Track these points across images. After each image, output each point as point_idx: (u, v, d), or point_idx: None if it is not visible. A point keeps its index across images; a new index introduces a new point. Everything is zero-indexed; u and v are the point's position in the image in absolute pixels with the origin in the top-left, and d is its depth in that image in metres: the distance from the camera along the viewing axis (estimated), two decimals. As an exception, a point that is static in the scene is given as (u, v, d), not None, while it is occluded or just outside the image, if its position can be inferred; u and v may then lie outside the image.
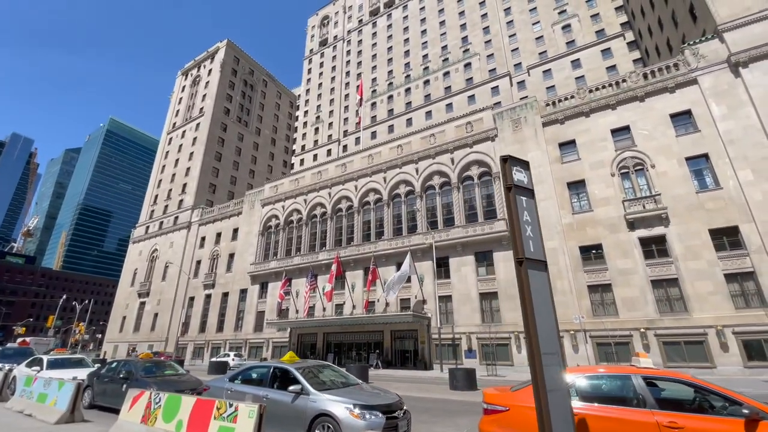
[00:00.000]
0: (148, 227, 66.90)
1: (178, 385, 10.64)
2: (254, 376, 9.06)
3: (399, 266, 36.09)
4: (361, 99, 53.33)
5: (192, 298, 52.84)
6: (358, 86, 70.38)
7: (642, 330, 24.52)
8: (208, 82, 74.66)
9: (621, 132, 29.67)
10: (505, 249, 30.83)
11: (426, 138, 38.90)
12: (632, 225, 26.94)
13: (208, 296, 51.46)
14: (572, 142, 31.39)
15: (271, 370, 8.63)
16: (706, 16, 29.43)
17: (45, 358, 14.54)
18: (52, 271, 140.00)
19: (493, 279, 30.81)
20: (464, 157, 35.58)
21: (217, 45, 78.04)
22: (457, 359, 29.98)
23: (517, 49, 61.42)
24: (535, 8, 62.11)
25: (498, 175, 33.07)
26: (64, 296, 71.62)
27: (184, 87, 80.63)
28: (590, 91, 32.22)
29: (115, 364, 12.08)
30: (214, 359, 35.13)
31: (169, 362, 12.79)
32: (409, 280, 33.77)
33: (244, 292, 47.47)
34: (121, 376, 10.99)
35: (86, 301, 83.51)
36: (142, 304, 59.52)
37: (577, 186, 30.24)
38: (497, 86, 58.64)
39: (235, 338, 45.26)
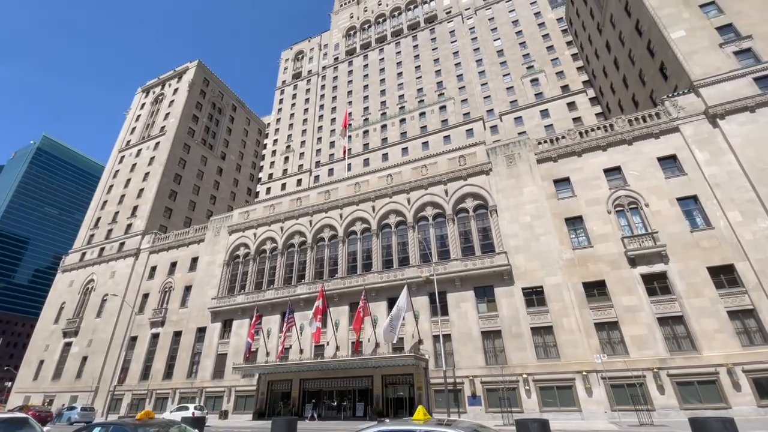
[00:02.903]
0: (84, 254, 58.07)
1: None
2: None
3: (390, 301, 33.44)
4: (345, 128, 52.19)
5: (134, 338, 45.14)
6: (344, 115, 69.93)
7: (655, 370, 23.79)
8: (173, 101, 70.05)
9: (613, 172, 30.80)
10: (506, 284, 29.59)
11: (418, 168, 38.09)
12: (633, 261, 27.11)
13: (155, 336, 44.27)
14: (567, 180, 32.02)
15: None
16: (679, 73, 32.51)
17: None
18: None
19: (496, 316, 29.17)
20: (458, 189, 34.97)
21: (187, 65, 74.51)
22: (459, 407, 27.20)
23: (489, 96, 64.97)
24: (505, 62, 66.91)
25: (495, 209, 32.59)
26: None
27: (143, 104, 75.00)
28: (580, 134, 33.63)
29: (97, 431, 8.33)
30: (168, 412, 29.10)
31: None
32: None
33: (202, 331, 41.37)
34: None
35: (-12, 343, 68.74)
36: (68, 345, 49.90)
37: (574, 222, 30.42)
38: (471, 128, 60.61)
39: (187, 387, 38.54)
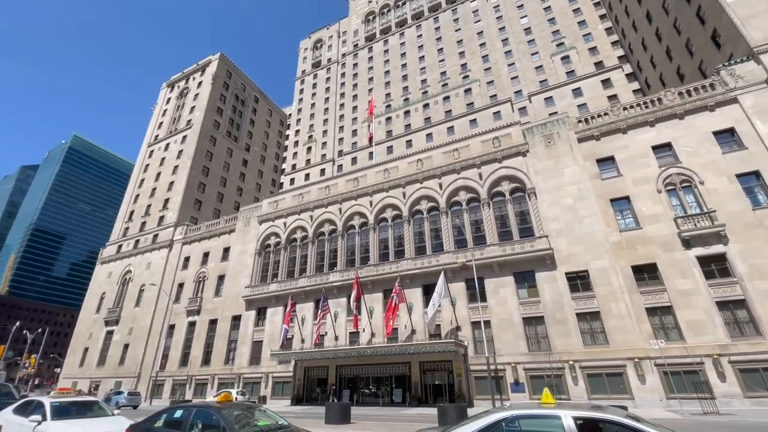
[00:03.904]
0: (120, 246, 59.96)
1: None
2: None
3: (425, 288, 32.98)
4: (371, 115, 51.30)
5: (172, 326, 46.45)
6: (368, 101, 69.13)
7: (715, 356, 22.43)
8: (197, 94, 70.75)
9: (663, 148, 28.94)
10: (548, 269, 28.47)
11: (449, 153, 37.02)
12: (688, 243, 25.50)
13: (192, 324, 45.40)
14: (611, 159, 30.36)
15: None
16: (736, 39, 30.02)
17: (47, 401, 10.05)
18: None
19: (537, 302, 28.18)
20: (493, 172, 33.77)
21: (209, 58, 74.92)
22: (502, 394, 26.57)
23: (517, 77, 62.53)
24: (533, 40, 64.09)
25: (533, 191, 31.31)
26: (18, 324, 61.52)
27: (169, 99, 76.11)
28: (624, 109, 31.78)
29: (179, 414, 8.13)
30: (211, 397, 29.70)
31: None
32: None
33: (237, 318, 42.06)
34: None
35: (39, 331, 72.64)
36: (110, 333, 51.93)
37: (620, 203, 28.87)
38: (499, 111, 58.69)
39: (225, 373, 39.41)
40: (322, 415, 19.03)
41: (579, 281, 27.60)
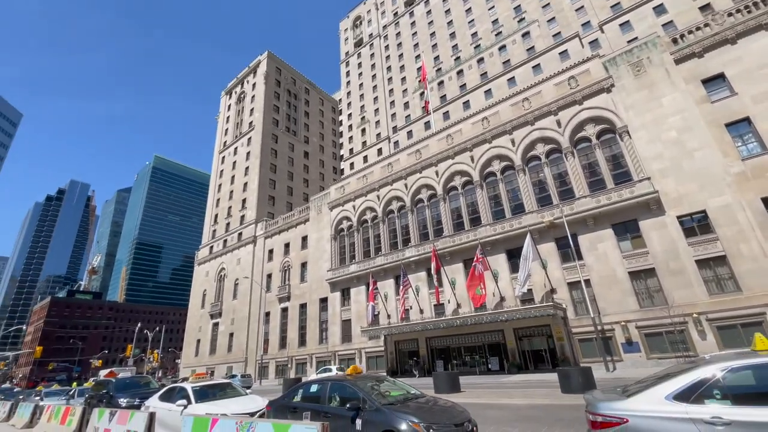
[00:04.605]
0: (212, 247, 65.96)
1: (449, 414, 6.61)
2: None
3: (509, 253, 31.33)
4: (425, 81, 49.20)
5: (267, 314, 50.30)
6: (420, 68, 67.01)
7: None
8: (254, 96, 73.81)
9: (792, 51, 23.51)
10: (655, 215, 25.15)
11: (517, 104, 34.08)
12: (842, 161, 20.69)
13: (284, 310, 48.68)
14: (720, 77, 25.49)
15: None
16: None
17: (189, 386, 11.02)
18: (118, 304, 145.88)
19: (645, 253, 25.15)
20: (574, 116, 30.36)
21: (258, 59, 77.38)
22: (613, 355, 24.50)
23: (583, 7, 55.31)
24: (596, -39, 55.87)
25: (626, 130, 27.59)
26: (139, 325, 71.96)
27: (229, 105, 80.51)
28: (729, 15, 26.32)
29: (315, 388, 8.21)
30: (314, 374, 31.66)
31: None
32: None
33: (324, 301, 44.14)
34: (349, 406, 7.06)
35: (157, 329, 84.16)
36: (215, 325, 57.93)
37: (738, 126, 24.28)
38: (566, 50, 52.65)
39: (321, 351, 41.84)
40: (430, 385, 19.01)
41: (696, 224, 24.00)
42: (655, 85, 27.30)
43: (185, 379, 50.19)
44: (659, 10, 47.42)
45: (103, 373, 46.91)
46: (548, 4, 57.79)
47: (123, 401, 13.65)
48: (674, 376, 4.76)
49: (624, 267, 25.72)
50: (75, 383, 42.14)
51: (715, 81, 25.73)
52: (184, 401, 10.21)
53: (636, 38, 47.57)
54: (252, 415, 9.14)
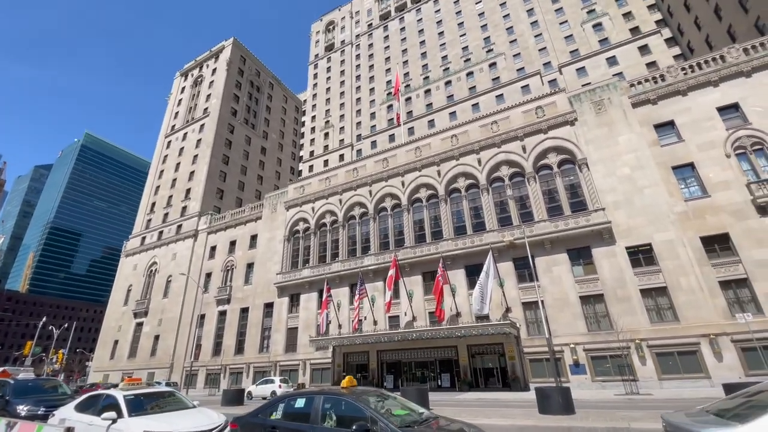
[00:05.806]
0: (144, 238, 59.54)
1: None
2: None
3: (468, 269, 31.43)
4: (398, 94, 49.19)
5: (202, 316, 45.86)
6: (393, 79, 67.04)
7: (805, 331, 20.55)
8: (212, 82, 69.25)
9: (729, 110, 26.59)
10: (607, 244, 26.64)
11: (487, 126, 34.99)
12: (764, 210, 23.41)
13: (223, 313, 44.76)
14: (670, 123, 28.10)
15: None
16: (811, -14, 27.20)
17: (119, 394, 8.72)
18: (19, 294, 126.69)
19: (596, 279, 26.43)
20: (539, 143, 31.71)
21: (222, 44, 73.12)
22: (560, 376, 25.11)
23: (545, 48, 59.47)
24: (561, 8, 60.73)
25: (585, 162, 29.26)
26: (44, 320, 62.18)
27: (183, 88, 74.78)
28: (683, 70, 29.31)
29: (301, 403, 6.67)
30: (253, 385, 28.98)
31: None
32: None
33: (269, 306, 41.21)
34: (355, 428, 5.53)
35: (65, 326, 73.50)
36: (139, 325, 51.77)
37: (683, 170, 26.74)
38: (527, 84, 56.02)
39: (261, 361, 38.71)
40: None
41: (641, 255, 25.74)
42: (614, 124, 29.43)
43: (94, 385, 43.81)
44: (612, 61, 52.24)
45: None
46: (515, 40, 61.41)
47: (23, 409, 10.83)
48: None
49: (576, 291, 26.80)
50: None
51: (665, 127, 28.28)
52: (113, 414, 8.00)
53: (590, 83, 51.83)
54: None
